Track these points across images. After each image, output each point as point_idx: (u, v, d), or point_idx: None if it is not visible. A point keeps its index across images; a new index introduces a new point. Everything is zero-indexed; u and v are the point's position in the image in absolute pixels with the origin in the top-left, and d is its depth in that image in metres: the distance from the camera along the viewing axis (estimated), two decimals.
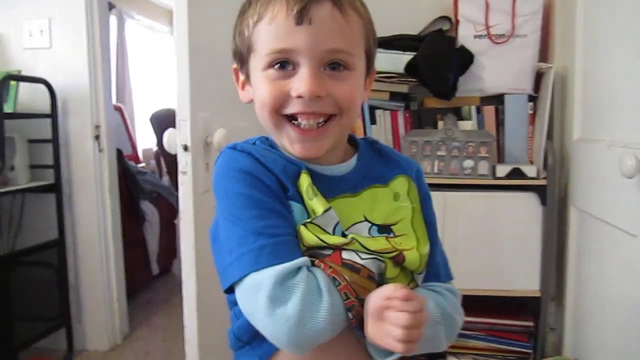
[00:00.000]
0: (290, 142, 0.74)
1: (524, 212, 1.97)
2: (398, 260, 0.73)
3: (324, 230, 0.71)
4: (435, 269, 0.80)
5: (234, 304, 0.75)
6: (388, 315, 0.64)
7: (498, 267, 2.00)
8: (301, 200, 0.73)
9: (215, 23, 1.60)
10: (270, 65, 0.72)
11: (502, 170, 1.97)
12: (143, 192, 3.21)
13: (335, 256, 0.71)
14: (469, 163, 1.98)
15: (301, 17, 0.68)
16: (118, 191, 2.53)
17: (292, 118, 0.73)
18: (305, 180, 0.73)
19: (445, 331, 0.75)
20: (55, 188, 2.28)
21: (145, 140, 5.75)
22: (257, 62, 0.73)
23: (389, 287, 0.66)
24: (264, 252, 0.67)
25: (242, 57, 0.77)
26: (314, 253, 0.71)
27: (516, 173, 1.96)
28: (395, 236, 0.75)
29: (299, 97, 0.70)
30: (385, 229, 0.76)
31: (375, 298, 0.66)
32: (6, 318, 2.11)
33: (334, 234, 0.72)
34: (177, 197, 3.86)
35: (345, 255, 0.71)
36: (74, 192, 2.40)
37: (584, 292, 1.84)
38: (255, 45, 0.73)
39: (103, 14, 2.40)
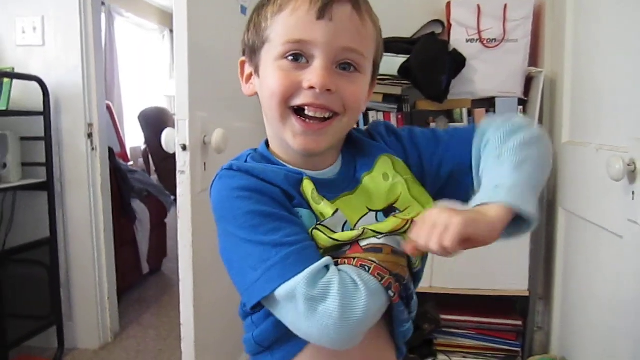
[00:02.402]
0: (293, 135, 0.74)
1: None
2: None
3: (333, 231, 0.73)
4: (465, 143, 0.79)
5: (248, 314, 0.76)
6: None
7: (487, 267, 2.03)
8: (308, 206, 0.74)
9: (214, 24, 1.62)
10: (284, 55, 0.73)
11: None
12: (134, 191, 3.21)
13: (354, 248, 0.73)
14: None
15: (322, 13, 0.71)
16: (110, 190, 2.53)
17: (298, 112, 0.74)
18: (309, 186, 0.75)
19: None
20: (47, 186, 2.27)
21: (133, 138, 5.72)
22: (271, 51, 0.74)
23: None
24: (289, 261, 0.67)
25: (254, 49, 0.78)
26: (335, 254, 0.72)
27: None
28: (401, 211, 0.77)
29: (311, 88, 0.71)
30: (389, 210, 0.77)
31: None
32: None
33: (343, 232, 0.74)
34: (166, 195, 3.84)
35: (364, 242, 0.73)
36: (65, 190, 2.39)
37: (572, 291, 1.89)
38: (272, 36, 0.74)
39: (96, 12, 2.39)
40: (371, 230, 0.73)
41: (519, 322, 2.09)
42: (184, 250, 1.49)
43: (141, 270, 3.26)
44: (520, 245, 2.00)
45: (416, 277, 0.80)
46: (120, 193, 2.94)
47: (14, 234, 2.35)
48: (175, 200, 3.10)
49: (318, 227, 0.73)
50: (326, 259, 0.69)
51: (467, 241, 0.63)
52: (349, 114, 0.75)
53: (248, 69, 0.82)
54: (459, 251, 0.63)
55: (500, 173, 0.71)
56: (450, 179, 0.81)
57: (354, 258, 0.71)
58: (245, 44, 0.80)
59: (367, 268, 0.69)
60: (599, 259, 1.63)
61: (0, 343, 2.08)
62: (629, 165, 1.29)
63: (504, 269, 2.04)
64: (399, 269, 0.72)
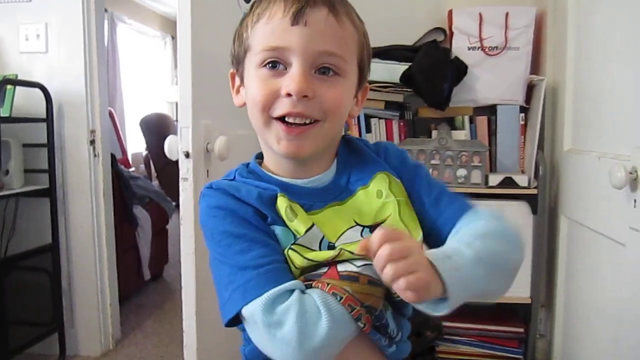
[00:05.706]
0: (277, 140, 0.75)
1: (515, 220, 2.00)
2: None
3: (310, 248, 0.73)
4: (453, 216, 0.77)
5: (243, 328, 0.76)
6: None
7: None
8: (283, 223, 0.74)
9: (217, 32, 1.63)
10: (263, 63, 0.74)
11: (495, 179, 2.01)
12: (136, 197, 3.21)
13: (331, 272, 0.72)
14: (462, 172, 2.03)
15: (297, 18, 0.71)
16: (112, 196, 2.53)
17: (280, 118, 0.74)
18: (282, 204, 0.75)
19: (486, 270, 0.69)
20: (50, 192, 2.28)
21: (134, 144, 5.73)
22: (252, 60, 0.76)
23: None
24: (250, 284, 0.69)
25: (239, 59, 0.80)
26: (310, 276, 0.72)
27: (508, 182, 2.00)
28: None
29: (288, 95, 0.72)
30: (376, 228, 0.76)
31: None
32: (0, 323, 2.10)
33: (320, 249, 0.74)
34: (168, 202, 3.84)
35: (341, 267, 0.72)
36: (68, 197, 2.39)
37: (574, 299, 1.88)
38: (252, 44, 0.76)
39: (99, 19, 2.40)
40: (348, 251, 0.72)
41: (521, 330, 2.08)
42: (186, 258, 1.49)
43: (142, 277, 3.26)
44: None
45: (400, 305, 0.77)
46: (122, 199, 2.94)
47: (16, 240, 2.35)
48: (176, 206, 3.11)
49: (293, 247, 0.73)
50: (291, 283, 0.69)
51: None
52: (329, 119, 0.75)
53: (237, 81, 0.83)
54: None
55: (460, 253, 0.67)
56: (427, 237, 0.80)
57: (328, 284, 0.70)
58: (232, 55, 0.82)
59: (339, 297, 0.68)
60: (601, 267, 1.63)
61: (2, 350, 2.08)
62: (631, 173, 1.29)
63: None
64: (372, 300, 0.71)
